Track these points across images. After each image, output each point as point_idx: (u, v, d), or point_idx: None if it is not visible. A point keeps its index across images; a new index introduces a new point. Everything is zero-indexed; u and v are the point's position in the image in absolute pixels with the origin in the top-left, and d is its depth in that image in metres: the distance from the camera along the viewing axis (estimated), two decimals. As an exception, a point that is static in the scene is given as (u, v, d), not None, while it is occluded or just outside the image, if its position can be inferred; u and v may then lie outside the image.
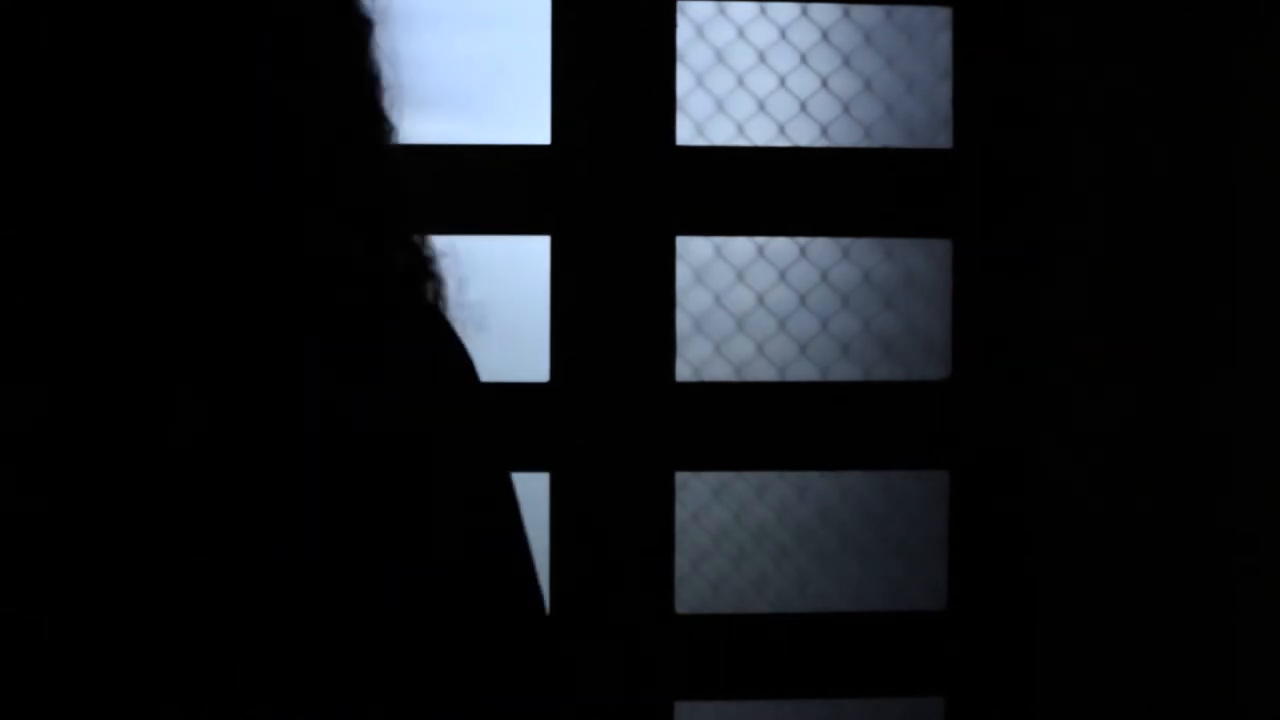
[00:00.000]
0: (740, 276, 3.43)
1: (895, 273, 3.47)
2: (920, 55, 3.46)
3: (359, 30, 1.52)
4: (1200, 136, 3.33)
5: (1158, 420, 3.35)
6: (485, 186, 3.27)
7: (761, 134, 3.44)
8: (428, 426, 1.32)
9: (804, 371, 3.46)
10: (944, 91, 3.45)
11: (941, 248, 3.44)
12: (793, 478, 3.46)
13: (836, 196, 3.40)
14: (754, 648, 3.41)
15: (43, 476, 1.21)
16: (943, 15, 3.45)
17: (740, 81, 3.44)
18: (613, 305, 3.28)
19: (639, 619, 3.28)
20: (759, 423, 3.39)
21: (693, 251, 3.41)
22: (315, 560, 1.21)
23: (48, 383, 1.27)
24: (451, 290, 1.53)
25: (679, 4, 3.40)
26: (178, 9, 1.23)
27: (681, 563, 3.43)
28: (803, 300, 3.46)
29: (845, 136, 3.44)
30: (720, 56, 3.44)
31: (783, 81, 3.45)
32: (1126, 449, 3.35)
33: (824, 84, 3.45)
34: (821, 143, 3.44)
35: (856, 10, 3.45)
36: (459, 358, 1.43)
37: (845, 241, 3.45)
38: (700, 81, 3.43)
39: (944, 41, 3.45)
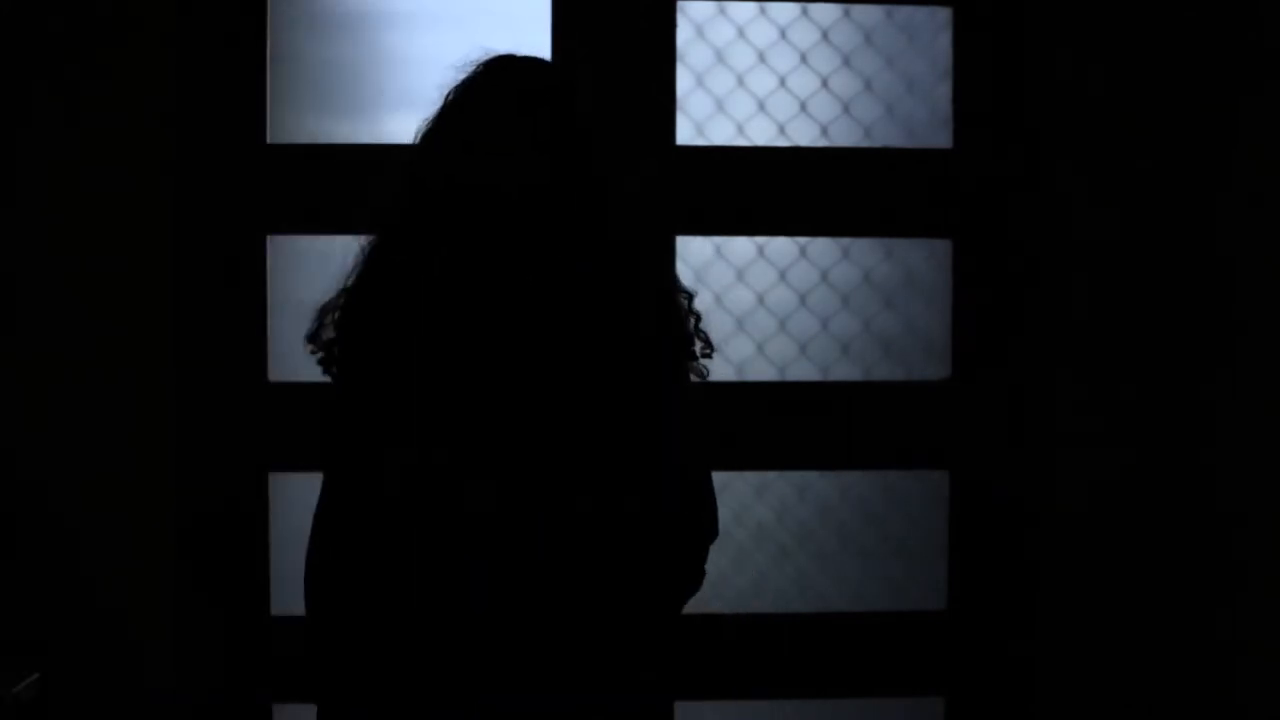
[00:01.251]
0: (740, 276, 3.43)
1: (895, 273, 3.47)
2: (920, 55, 3.47)
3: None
4: (1201, 135, 3.33)
5: (1158, 420, 3.35)
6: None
7: (761, 134, 3.44)
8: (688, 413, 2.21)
9: (804, 371, 3.46)
10: (944, 91, 3.45)
11: (941, 248, 3.44)
12: (793, 478, 3.46)
13: (836, 196, 3.41)
14: (754, 648, 3.42)
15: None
16: (943, 15, 3.45)
17: (740, 81, 3.44)
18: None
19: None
20: (759, 423, 3.40)
21: (693, 251, 3.41)
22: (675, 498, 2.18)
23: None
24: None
25: (679, 4, 3.40)
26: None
27: (681, 563, 3.44)
28: (803, 300, 3.46)
29: (845, 136, 3.45)
30: (720, 56, 3.44)
31: (783, 81, 3.45)
32: (1126, 449, 3.35)
33: (824, 84, 3.45)
34: (821, 143, 3.44)
35: (856, 10, 3.45)
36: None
37: (845, 241, 3.45)
38: (700, 81, 3.43)
39: (944, 41, 3.45)
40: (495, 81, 2.25)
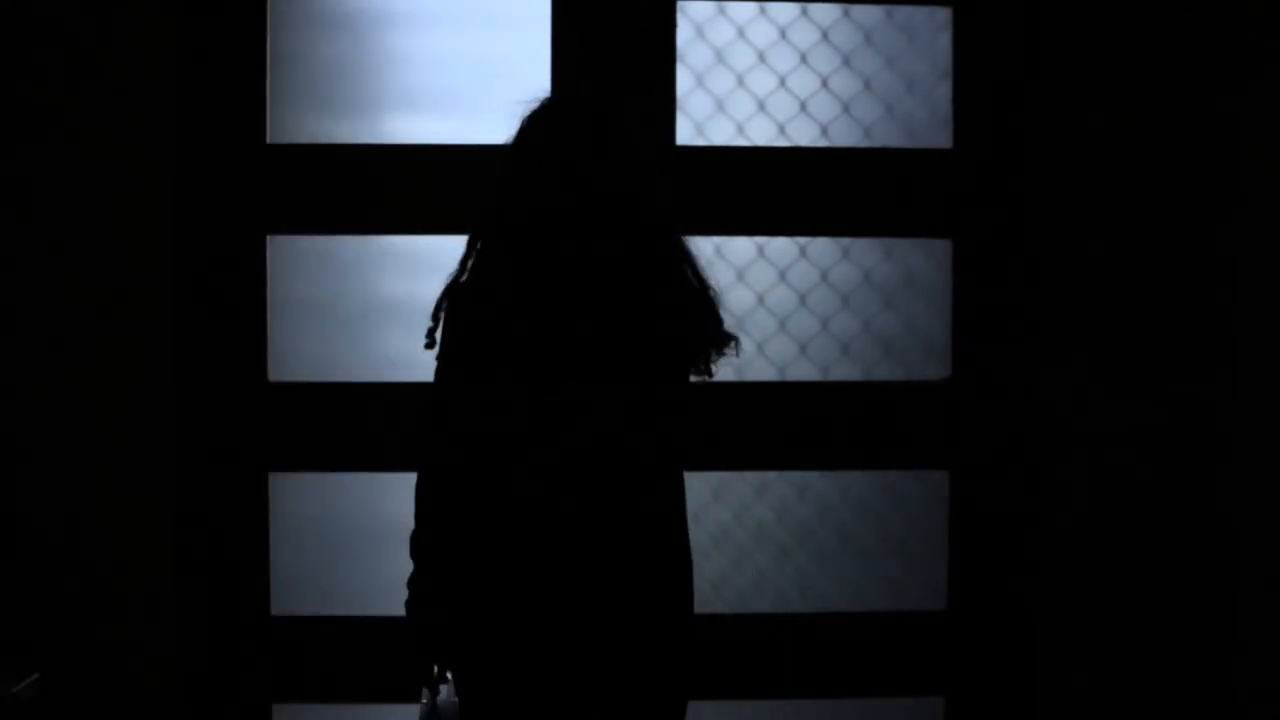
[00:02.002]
0: (740, 276, 3.43)
1: (895, 273, 3.47)
2: (920, 55, 3.47)
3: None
4: (1202, 136, 3.33)
5: (1157, 420, 3.35)
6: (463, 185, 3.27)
7: (761, 134, 3.44)
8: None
9: (804, 371, 3.46)
10: (944, 91, 3.45)
11: (941, 248, 3.44)
12: (793, 478, 3.46)
13: (836, 196, 3.41)
14: (754, 648, 3.42)
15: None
16: (943, 15, 3.45)
17: (740, 81, 3.44)
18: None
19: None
20: (759, 423, 3.39)
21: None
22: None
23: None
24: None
25: (679, 4, 3.40)
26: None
27: (681, 563, 3.44)
28: (803, 300, 3.46)
29: (845, 136, 3.45)
30: (720, 56, 3.44)
31: (783, 81, 3.45)
32: (1126, 449, 3.35)
33: (824, 84, 3.45)
34: (821, 143, 3.44)
35: (856, 10, 3.45)
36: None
37: (845, 241, 3.45)
38: (700, 81, 3.43)
39: (944, 41, 3.45)
40: (560, 110, 2.61)
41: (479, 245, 2.59)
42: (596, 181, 2.54)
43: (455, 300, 2.57)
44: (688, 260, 2.61)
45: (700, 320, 2.61)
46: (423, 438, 2.62)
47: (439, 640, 2.57)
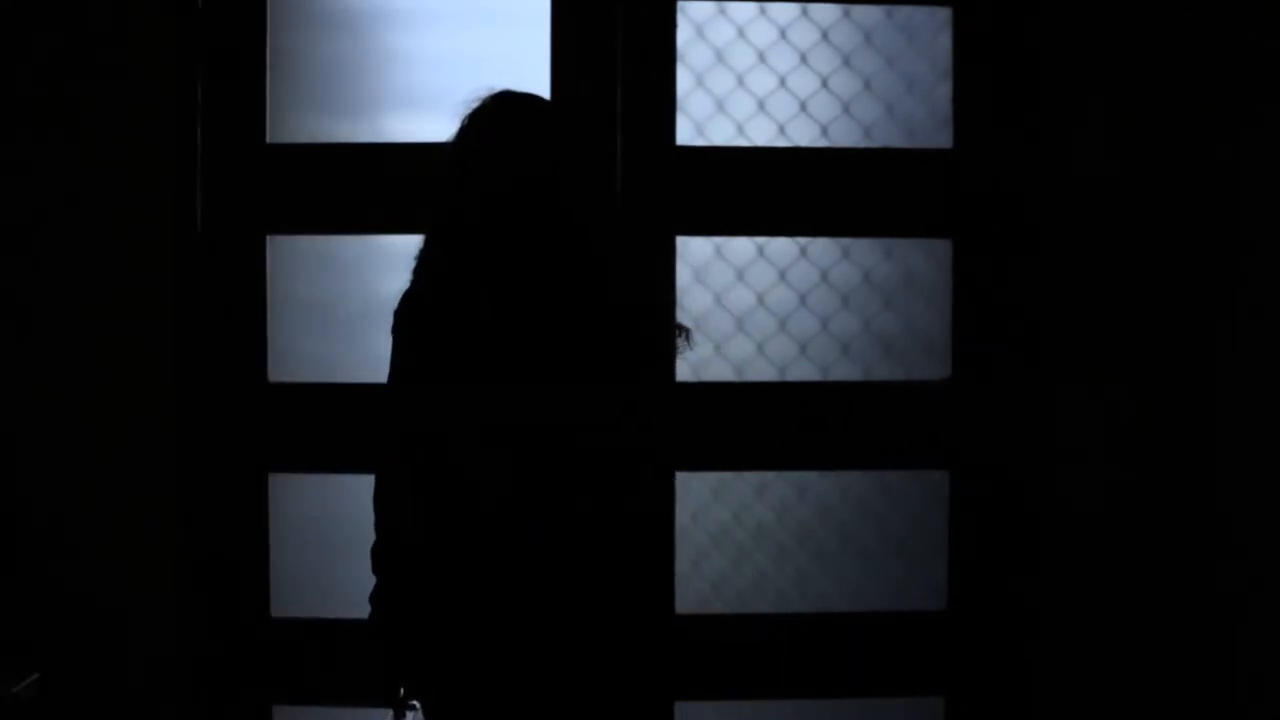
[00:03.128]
0: (740, 276, 3.43)
1: (895, 273, 3.47)
2: (920, 55, 3.47)
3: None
4: (1203, 135, 3.33)
5: (1157, 420, 3.35)
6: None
7: (761, 134, 3.44)
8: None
9: (804, 371, 3.46)
10: (944, 91, 3.45)
11: (941, 248, 3.44)
12: (793, 478, 3.46)
13: (836, 196, 3.41)
14: (754, 648, 3.42)
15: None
16: (943, 15, 3.45)
17: (740, 81, 3.44)
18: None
19: (640, 619, 3.28)
20: (759, 423, 3.39)
21: (693, 251, 3.41)
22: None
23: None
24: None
25: (679, 4, 3.40)
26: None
27: (681, 563, 3.44)
28: (803, 300, 3.46)
29: (845, 136, 3.45)
30: (720, 56, 3.44)
31: (783, 81, 3.45)
32: (1126, 449, 3.35)
33: (824, 84, 3.45)
34: (821, 143, 3.44)
35: (856, 10, 3.45)
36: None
37: (845, 241, 3.45)
38: (700, 81, 3.43)
39: (944, 41, 3.45)
40: (504, 109, 2.59)
41: (423, 249, 2.58)
42: (540, 179, 2.51)
43: (402, 305, 2.55)
44: (623, 259, 2.66)
45: (646, 315, 2.62)
46: (377, 445, 2.59)
47: (405, 660, 2.54)
